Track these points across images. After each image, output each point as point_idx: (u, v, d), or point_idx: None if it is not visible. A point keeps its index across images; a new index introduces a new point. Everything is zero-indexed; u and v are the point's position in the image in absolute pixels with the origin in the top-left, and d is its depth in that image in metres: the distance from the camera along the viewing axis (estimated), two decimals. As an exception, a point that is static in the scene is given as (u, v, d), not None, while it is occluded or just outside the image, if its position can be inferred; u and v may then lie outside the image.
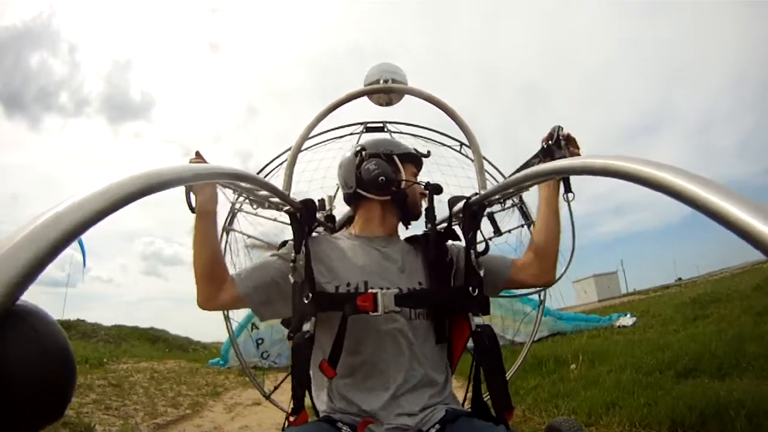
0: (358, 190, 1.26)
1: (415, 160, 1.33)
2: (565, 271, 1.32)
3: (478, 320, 1.11)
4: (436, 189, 1.27)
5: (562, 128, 1.17)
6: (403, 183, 1.25)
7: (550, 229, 1.23)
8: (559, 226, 1.24)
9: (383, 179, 1.22)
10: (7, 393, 0.35)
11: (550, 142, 1.17)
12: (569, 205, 1.16)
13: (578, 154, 1.15)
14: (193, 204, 1.15)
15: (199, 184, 1.12)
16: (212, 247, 1.17)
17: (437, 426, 1.01)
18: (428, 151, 1.37)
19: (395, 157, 1.28)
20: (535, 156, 1.24)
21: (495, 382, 1.08)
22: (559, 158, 1.12)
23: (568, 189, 1.17)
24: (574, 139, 1.17)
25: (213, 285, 1.15)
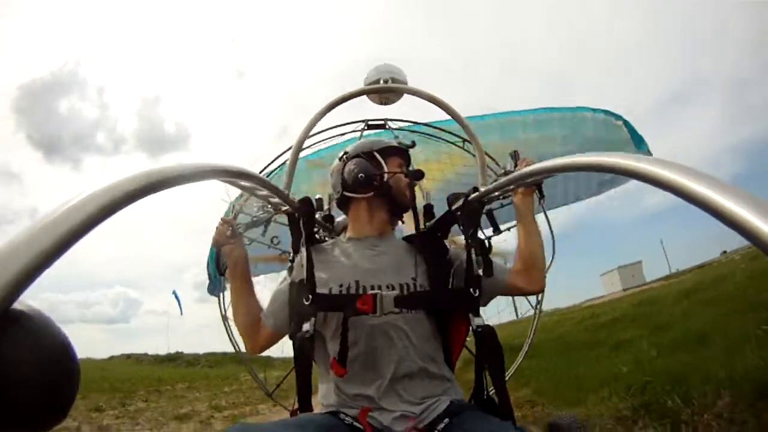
0: (344, 193, 1.29)
1: (398, 152, 1.33)
2: (550, 263, 1.36)
3: (478, 321, 1.12)
4: (416, 174, 1.28)
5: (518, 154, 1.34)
6: (385, 176, 1.25)
7: (532, 239, 1.27)
8: (539, 235, 1.29)
9: (362, 176, 1.24)
10: (4, 395, 0.35)
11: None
12: (545, 212, 1.21)
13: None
14: (223, 266, 1.29)
15: (228, 244, 1.27)
16: (248, 306, 1.27)
17: (444, 418, 1.02)
18: (413, 141, 1.37)
19: (375, 153, 1.29)
20: (498, 176, 1.37)
21: (499, 383, 1.09)
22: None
23: (542, 195, 1.27)
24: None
25: (254, 337, 1.25)
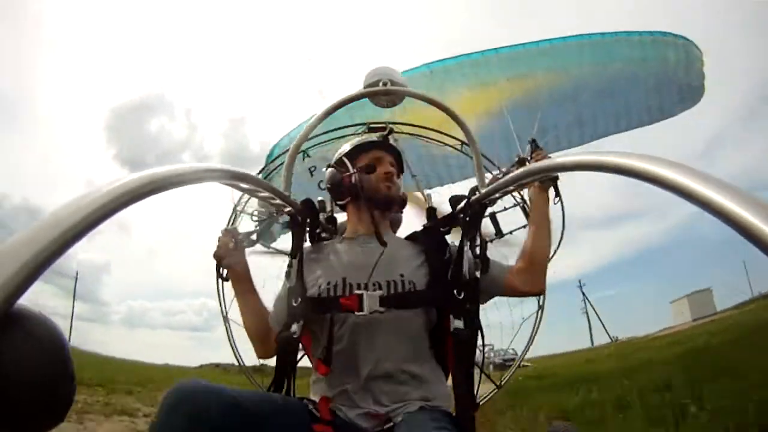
0: (335, 203, 1.38)
1: (367, 148, 1.34)
2: (555, 252, 1.38)
3: (458, 323, 1.10)
4: (366, 169, 1.28)
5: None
6: (353, 178, 1.27)
7: (538, 237, 1.26)
8: (548, 235, 1.28)
9: (329, 186, 1.32)
10: (3, 396, 0.35)
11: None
12: (563, 207, 1.21)
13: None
14: (224, 273, 1.28)
15: (230, 257, 1.26)
16: (255, 312, 1.27)
17: (403, 416, 1.03)
18: (388, 131, 1.41)
19: (344, 159, 1.34)
20: (512, 166, 1.38)
21: (459, 381, 1.08)
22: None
23: (557, 193, 1.26)
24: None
25: (266, 342, 1.24)
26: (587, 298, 39.19)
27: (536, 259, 1.25)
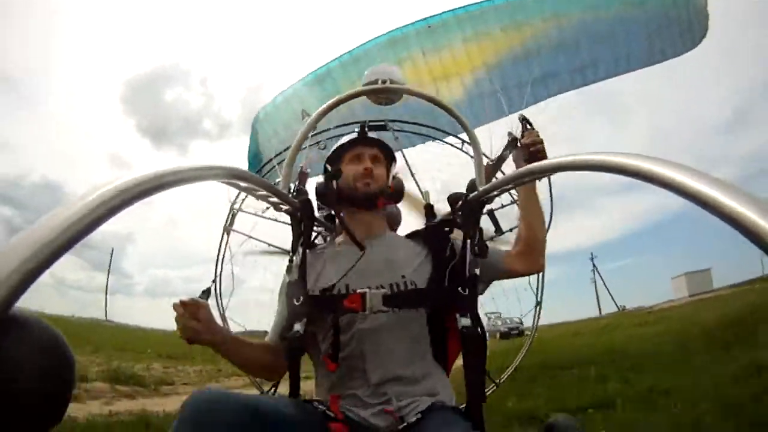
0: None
1: (348, 147, 1.34)
2: (548, 226, 1.38)
3: (465, 321, 1.11)
4: (333, 175, 1.29)
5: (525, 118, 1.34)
6: (334, 183, 1.28)
7: (531, 219, 1.27)
8: (540, 214, 1.30)
9: (317, 196, 1.32)
10: (5, 397, 0.35)
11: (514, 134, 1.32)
12: (551, 191, 1.22)
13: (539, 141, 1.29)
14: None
15: (204, 336, 1.06)
16: (256, 358, 1.21)
17: (418, 415, 1.04)
18: (366, 127, 1.41)
19: (326, 165, 1.36)
20: (505, 148, 1.39)
21: (471, 379, 1.09)
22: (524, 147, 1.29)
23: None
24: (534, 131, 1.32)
25: (276, 364, 1.21)
26: (597, 270, 41.90)
27: (532, 240, 1.27)
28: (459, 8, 3.40)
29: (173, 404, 5.04)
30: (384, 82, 1.39)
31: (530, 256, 1.27)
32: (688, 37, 3.72)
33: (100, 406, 5.05)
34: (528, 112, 1.43)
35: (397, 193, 1.37)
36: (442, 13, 3.49)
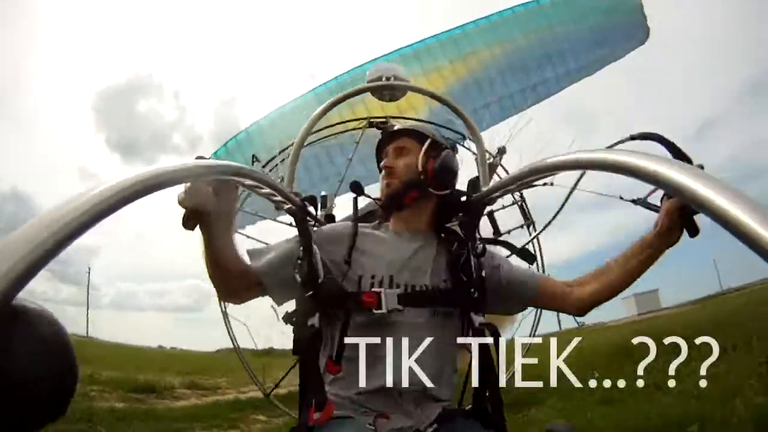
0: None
1: (392, 138, 1.27)
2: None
3: (479, 319, 1.10)
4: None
5: None
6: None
7: (638, 272, 1.13)
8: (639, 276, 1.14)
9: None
10: (7, 389, 0.35)
11: None
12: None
13: None
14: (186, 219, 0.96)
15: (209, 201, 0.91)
16: (233, 255, 1.08)
17: (434, 425, 1.02)
18: (390, 123, 1.36)
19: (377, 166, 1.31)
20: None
21: (492, 389, 1.07)
22: None
23: (695, 231, 0.98)
24: None
25: (244, 279, 1.13)
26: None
27: (618, 290, 1.16)
28: (406, 47, 3.64)
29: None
30: (388, 78, 1.39)
31: (596, 302, 1.18)
32: (633, 35, 4.08)
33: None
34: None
35: (438, 174, 1.17)
36: (399, 49, 3.70)
